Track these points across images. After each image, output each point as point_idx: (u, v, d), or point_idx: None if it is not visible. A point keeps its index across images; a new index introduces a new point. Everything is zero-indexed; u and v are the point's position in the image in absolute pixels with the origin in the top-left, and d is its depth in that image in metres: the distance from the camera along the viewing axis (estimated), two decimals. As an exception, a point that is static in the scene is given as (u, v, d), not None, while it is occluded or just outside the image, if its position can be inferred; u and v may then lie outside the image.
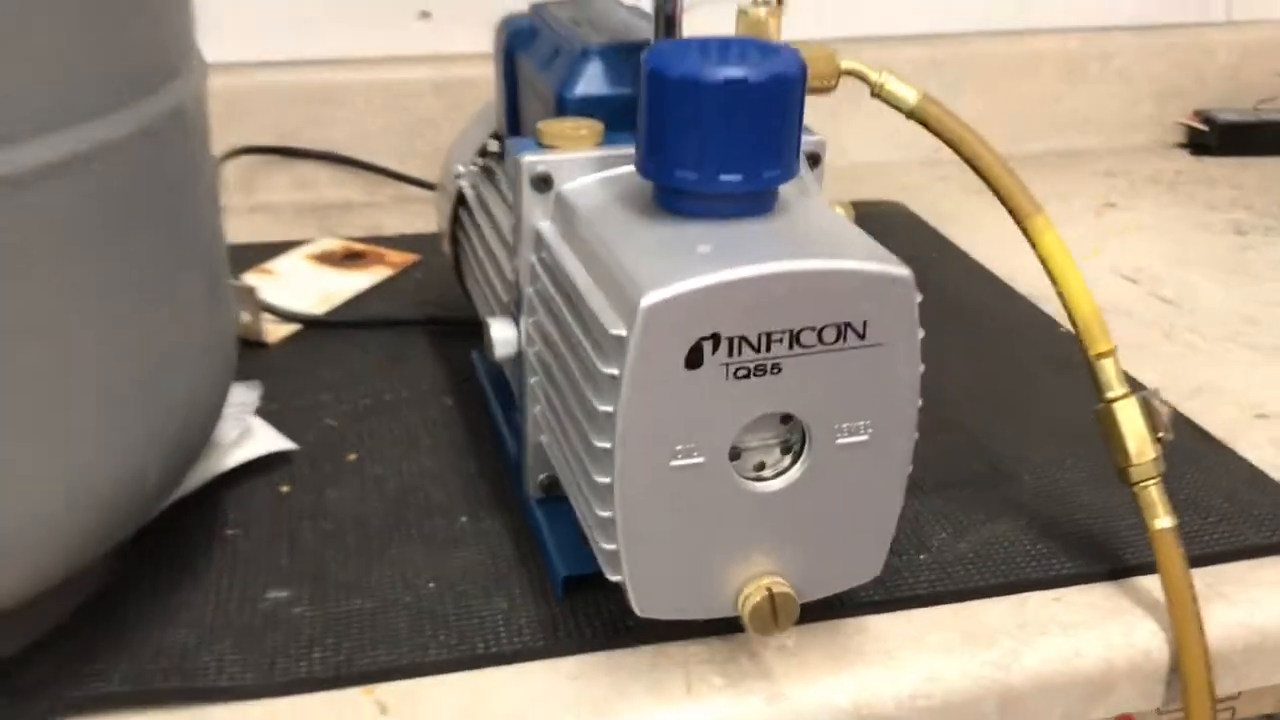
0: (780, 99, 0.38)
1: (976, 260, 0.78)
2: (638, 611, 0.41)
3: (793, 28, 0.91)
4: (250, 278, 0.73)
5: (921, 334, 0.40)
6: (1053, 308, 0.72)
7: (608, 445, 0.38)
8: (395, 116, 0.88)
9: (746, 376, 0.38)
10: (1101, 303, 0.72)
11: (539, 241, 0.45)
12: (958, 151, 0.47)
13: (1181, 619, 0.45)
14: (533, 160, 0.44)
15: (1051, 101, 1.01)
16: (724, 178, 0.39)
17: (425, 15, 0.87)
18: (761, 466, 0.40)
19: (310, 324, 0.67)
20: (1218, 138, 0.99)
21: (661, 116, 0.39)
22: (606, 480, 0.39)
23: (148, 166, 0.38)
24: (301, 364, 0.64)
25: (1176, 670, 0.46)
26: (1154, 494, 0.46)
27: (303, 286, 0.72)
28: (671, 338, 0.37)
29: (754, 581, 0.41)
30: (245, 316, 0.65)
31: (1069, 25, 0.99)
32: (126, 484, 0.40)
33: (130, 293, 0.39)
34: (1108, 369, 0.46)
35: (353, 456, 0.56)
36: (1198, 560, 0.50)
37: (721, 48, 0.40)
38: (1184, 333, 0.70)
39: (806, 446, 0.40)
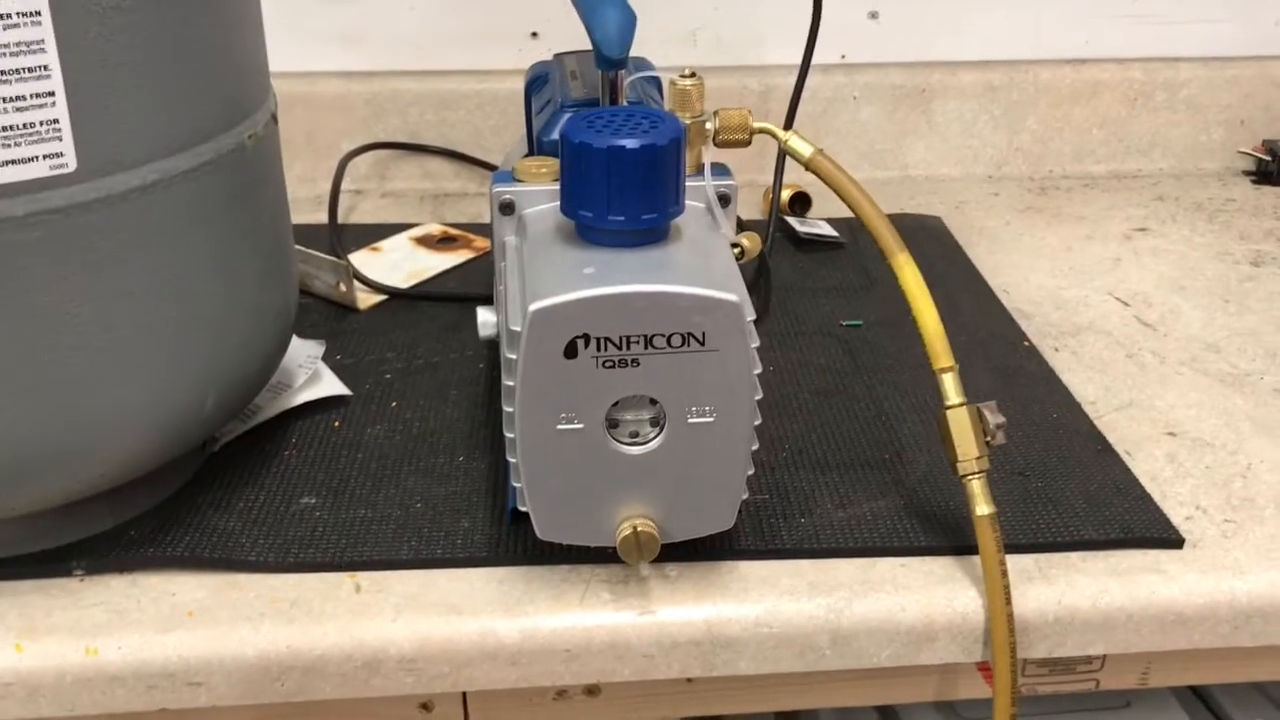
0: (652, 162, 0.51)
1: (980, 274, 0.87)
2: (539, 535, 0.55)
3: (867, 51, 1.02)
4: (360, 253, 0.90)
5: (757, 343, 0.52)
6: (1029, 324, 0.81)
7: (510, 410, 0.52)
8: (506, 119, 1.03)
9: (612, 367, 0.51)
10: (1084, 322, 0.82)
11: (505, 251, 0.59)
12: (841, 197, 0.58)
13: (992, 591, 0.56)
14: (500, 190, 0.58)
15: (1115, 126, 1.07)
16: (611, 218, 0.52)
17: (534, 35, 1.01)
18: (636, 434, 0.53)
19: (393, 295, 0.84)
20: (1279, 167, 1.04)
21: (569, 170, 0.52)
22: (512, 435, 0.53)
23: (213, 187, 0.54)
24: (380, 327, 0.80)
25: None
26: (976, 487, 0.56)
27: (400, 263, 0.89)
28: (552, 335, 0.50)
29: (627, 521, 0.54)
30: (342, 287, 0.82)
31: (1131, 56, 1.05)
32: (189, 407, 0.56)
33: (199, 275, 0.55)
34: (948, 382, 0.57)
35: (395, 404, 0.71)
36: (1037, 546, 0.60)
37: (625, 119, 0.53)
38: (1146, 354, 0.78)
39: (665, 423, 0.53)
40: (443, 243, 0.92)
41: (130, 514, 0.60)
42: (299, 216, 0.98)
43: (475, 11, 1.01)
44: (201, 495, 0.62)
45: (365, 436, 0.68)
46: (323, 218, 0.96)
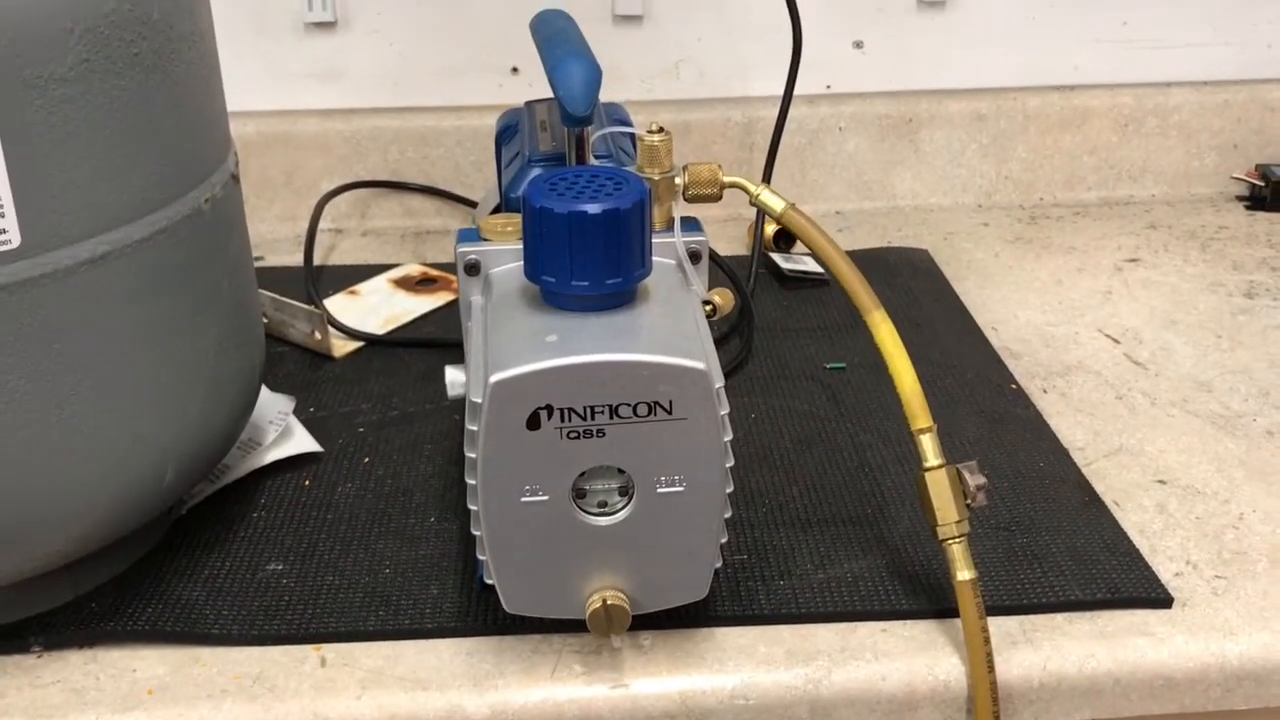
0: (616, 226, 0.49)
1: (968, 310, 0.86)
2: (507, 608, 0.53)
3: (853, 81, 1.00)
4: (337, 298, 0.88)
5: (726, 410, 0.50)
6: (1017, 365, 0.79)
7: (473, 482, 0.51)
8: (486, 155, 1.01)
9: (577, 438, 0.49)
10: (1073, 361, 0.81)
11: (471, 311, 0.57)
12: (814, 252, 0.56)
13: (974, 659, 0.54)
14: (464, 250, 0.57)
15: (1105, 152, 1.05)
16: (574, 284, 0.50)
17: (515, 70, 1.00)
18: (604, 504, 0.52)
19: (370, 341, 0.82)
20: (1272, 193, 1.02)
21: (531, 234, 0.51)
22: (475, 508, 0.51)
23: (168, 256, 0.53)
24: (355, 376, 0.79)
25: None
26: (956, 551, 0.55)
27: (377, 307, 0.87)
28: (514, 406, 0.49)
29: (597, 593, 0.53)
30: (317, 335, 0.80)
31: (1121, 81, 1.03)
32: (147, 480, 0.55)
33: (155, 346, 0.53)
34: (925, 443, 0.55)
35: (367, 460, 0.70)
36: (1022, 608, 0.58)
37: (588, 181, 0.51)
38: (1137, 395, 0.76)
39: (634, 492, 0.51)
40: (421, 284, 0.91)
41: (92, 584, 0.59)
42: (278, 258, 0.97)
43: (455, 47, 1.00)
44: (166, 563, 0.61)
45: (336, 495, 0.67)
46: (302, 259, 0.94)
